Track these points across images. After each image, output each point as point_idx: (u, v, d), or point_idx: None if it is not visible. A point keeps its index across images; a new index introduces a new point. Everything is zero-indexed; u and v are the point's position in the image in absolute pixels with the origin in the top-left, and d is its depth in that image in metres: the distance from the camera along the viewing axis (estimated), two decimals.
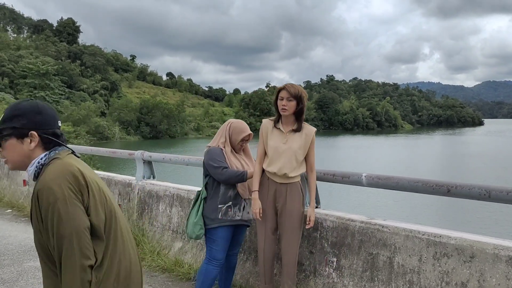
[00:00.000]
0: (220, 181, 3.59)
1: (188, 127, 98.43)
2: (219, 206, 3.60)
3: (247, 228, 3.90)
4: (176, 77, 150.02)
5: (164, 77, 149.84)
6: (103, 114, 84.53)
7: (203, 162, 3.72)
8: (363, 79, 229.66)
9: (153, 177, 5.69)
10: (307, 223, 3.44)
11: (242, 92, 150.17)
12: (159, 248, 5.00)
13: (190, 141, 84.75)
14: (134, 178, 5.80)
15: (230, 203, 3.60)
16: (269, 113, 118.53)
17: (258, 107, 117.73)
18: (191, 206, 3.83)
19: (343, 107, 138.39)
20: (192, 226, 3.70)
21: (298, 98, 3.33)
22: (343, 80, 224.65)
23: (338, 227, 3.53)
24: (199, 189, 4.86)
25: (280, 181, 3.40)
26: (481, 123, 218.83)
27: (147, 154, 5.53)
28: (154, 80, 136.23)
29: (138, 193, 5.58)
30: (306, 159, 3.46)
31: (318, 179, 3.74)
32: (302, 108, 3.38)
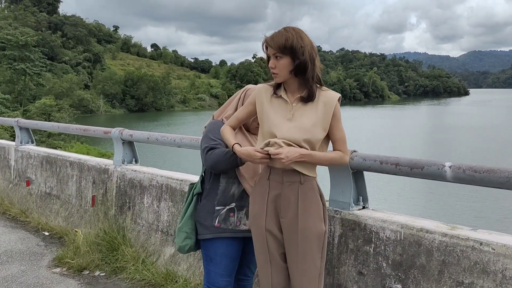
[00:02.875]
0: (209, 170, 2.46)
1: (174, 99, 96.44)
2: (217, 208, 2.47)
3: None
4: (161, 48, 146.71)
5: (149, 49, 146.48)
6: (86, 86, 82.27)
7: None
8: (350, 50, 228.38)
9: (136, 162, 4.52)
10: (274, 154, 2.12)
11: (229, 64, 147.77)
12: (144, 254, 3.87)
13: (176, 114, 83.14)
14: (111, 162, 4.62)
15: (233, 205, 2.46)
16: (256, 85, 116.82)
17: (245, 78, 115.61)
18: (183, 203, 2.70)
19: (330, 78, 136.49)
20: (177, 234, 2.59)
21: (290, 51, 2.10)
22: (330, 51, 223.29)
23: (405, 240, 2.42)
24: (197, 178, 3.73)
25: (288, 179, 2.20)
26: (466, 93, 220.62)
27: (127, 133, 4.34)
28: (138, 51, 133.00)
29: (116, 181, 4.41)
30: (331, 139, 2.27)
31: (370, 169, 2.62)
32: (303, 64, 2.12)
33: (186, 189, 3.64)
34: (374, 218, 2.58)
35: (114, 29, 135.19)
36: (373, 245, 2.55)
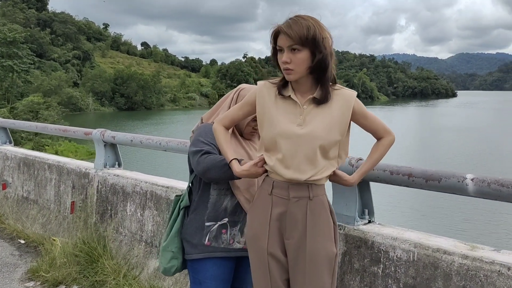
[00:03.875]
0: (199, 176, 2.13)
1: (164, 98, 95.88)
2: (207, 224, 2.16)
3: None
4: (151, 47, 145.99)
5: (139, 47, 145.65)
6: (75, 84, 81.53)
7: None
8: (340, 51, 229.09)
9: (119, 165, 4.19)
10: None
11: (219, 63, 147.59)
12: (126, 267, 3.55)
13: (166, 113, 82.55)
14: (92, 166, 4.29)
15: (226, 220, 2.16)
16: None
17: (235, 78, 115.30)
18: (168, 217, 2.39)
19: None
20: (161, 253, 2.27)
21: (312, 43, 1.76)
22: None
23: (419, 261, 2.13)
24: (185, 185, 3.42)
25: (295, 194, 1.88)
26: (454, 95, 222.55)
27: (109, 134, 4.01)
28: (128, 49, 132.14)
29: (98, 187, 4.08)
30: (369, 132, 1.99)
31: (379, 180, 2.33)
32: (324, 60, 1.79)
33: (172, 197, 3.34)
34: (383, 235, 2.29)
35: (104, 26, 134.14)
36: (381, 265, 2.26)
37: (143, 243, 3.61)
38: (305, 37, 1.74)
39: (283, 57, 1.79)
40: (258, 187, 2.15)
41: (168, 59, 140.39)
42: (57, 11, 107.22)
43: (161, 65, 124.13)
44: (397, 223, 2.74)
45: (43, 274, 3.67)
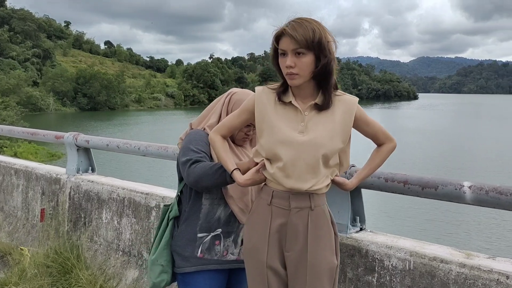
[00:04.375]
0: (192, 186, 2.03)
1: (128, 98, 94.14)
2: (199, 235, 2.06)
3: None
4: (115, 46, 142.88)
5: (102, 46, 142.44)
6: (35, 83, 78.92)
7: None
8: None
9: (92, 171, 4.01)
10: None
11: (185, 63, 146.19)
12: (102, 278, 3.38)
13: (131, 113, 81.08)
14: (64, 171, 4.09)
15: (219, 231, 2.07)
16: (213, 85, 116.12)
17: (201, 78, 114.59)
18: (156, 228, 2.27)
19: None
20: (150, 267, 2.15)
21: (317, 47, 1.70)
22: None
23: (415, 270, 2.10)
24: (165, 192, 3.30)
25: (296, 204, 1.80)
26: (415, 97, 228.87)
27: (82, 138, 3.83)
28: (91, 48, 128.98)
29: (70, 193, 3.89)
30: (369, 138, 1.94)
31: (373, 187, 2.29)
32: (329, 64, 1.73)
33: (152, 204, 3.21)
34: (377, 243, 2.25)
35: (65, 24, 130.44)
36: (376, 274, 2.22)
37: (120, 253, 3.46)
38: (311, 40, 1.67)
39: (287, 61, 1.71)
40: (253, 197, 2.08)
41: (132, 58, 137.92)
42: (16, 8, 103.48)
43: (125, 65, 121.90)
44: (379, 229, 2.72)
45: (12, 287, 3.45)
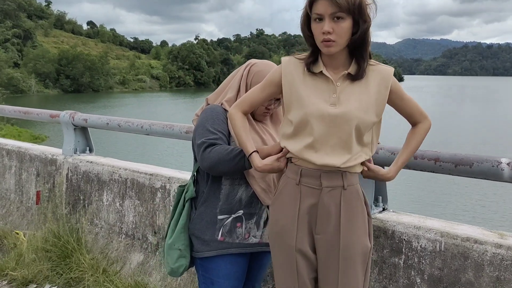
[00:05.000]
0: (206, 171, 1.92)
1: (112, 80, 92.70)
2: (220, 217, 1.94)
3: None
4: (98, 26, 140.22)
5: (85, 26, 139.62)
6: (16, 65, 77.09)
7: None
8: (293, 34, 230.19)
9: (90, 151, 3.84)
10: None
11: (170, 45, 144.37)
12: (105, 262, 3.25)
13: (115, 95, 79.94)
14: (60, 151, 3.91)
15: (241, 212, 1.94)
16: (198, 67, 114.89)
17: (187, 60, 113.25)
18: (171, 211, 2.14)
19: (273, 62, 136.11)
20: (167, 251, 2.02)
21: (357, 11, 1.55)
22: (273, 35, 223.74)
23: (447, 251, 2.01)
24: (171, 172, 3.15)
25: (328, 183, 1.67)
26: (401, 79, 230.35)
27: (80, 117, 3.65)
28: (73, 29, 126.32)
29: (67, 174, 3.72)
30: (404, 116, 1.79)
31: (405, 167, 2.17)
32: (367, 30, 1.60)
33: (158, 185, 3.07)
34: (404, 223, 2.15)
35: (46, 4, 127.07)
36: (403, 256, 2.12)
37: (123, 236, 3.32)
38: (352, 3, 1.53)
39: (324, 27, 1.56)
40: (275, 176, 1.95)
41: (116, 39, 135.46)
42: None
43: (109, 46, 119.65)
44: (404, 208, 2.62)
45: (10, 272, 3.30)
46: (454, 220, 2.30)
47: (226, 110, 1.95)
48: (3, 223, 4.14)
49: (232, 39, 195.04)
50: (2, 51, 74.90)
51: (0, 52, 72.85)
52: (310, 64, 1.68)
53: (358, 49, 1.63)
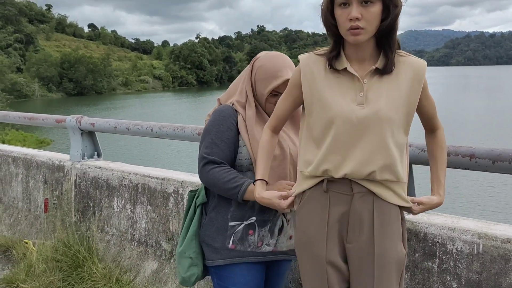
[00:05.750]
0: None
1: (115, 82, 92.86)
2: (231, 224, 1.83)
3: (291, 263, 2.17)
4: (99, 28, 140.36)
5: (86, 29, 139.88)
6: (19, 70, 77.25)
7: None
8: (293, 30, 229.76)
9: (98, 156, 3.72)
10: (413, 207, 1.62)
11: (171, 44, 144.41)
12: (118, 270, 3.13)
13: (118, 97, 79.98)
14: (67, 157, 3.79)
15: (253, 219, 1.82)
16: (200, 66, 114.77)
17: (189, 59, 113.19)
18: (183, 217, 2.02)
19: None
20: (178, 260, 1.92)
21: None
22: (274, 31, 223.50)
23: (485, 254, 1.87)
24: (183, 176, 3.03)
25: (359, 188, 1.52)
26: None
27: (87, 121, 3.53)
28: (74, 32, 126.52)
29: (76, 181, 3.61)
30: (423, 117, 1.65)
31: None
32: (397, 17, 1.45)
33: (170, 190, 2.95)
34: (437, 225, 2.01)
35: (46, 8, 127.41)
36: (437, 260, 1.99)
37: (136, 243, 3.20)
38: None
39: (352, 12, 1.41)
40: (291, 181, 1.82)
41: (117, 41, 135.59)
42: None
43: (110, 48, 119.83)
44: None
45: (20, 284, 3.19)
46: (488, 219, 2.17)
47: (236, 111, 1.84)
48: (12, 232, 4.03)
49: (233, 36, 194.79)
50: (5, 57, 75.05)
51: (2, 57, 72.95)
52: (332, 59, 1.53)
53: (386, 39, 1.49)
